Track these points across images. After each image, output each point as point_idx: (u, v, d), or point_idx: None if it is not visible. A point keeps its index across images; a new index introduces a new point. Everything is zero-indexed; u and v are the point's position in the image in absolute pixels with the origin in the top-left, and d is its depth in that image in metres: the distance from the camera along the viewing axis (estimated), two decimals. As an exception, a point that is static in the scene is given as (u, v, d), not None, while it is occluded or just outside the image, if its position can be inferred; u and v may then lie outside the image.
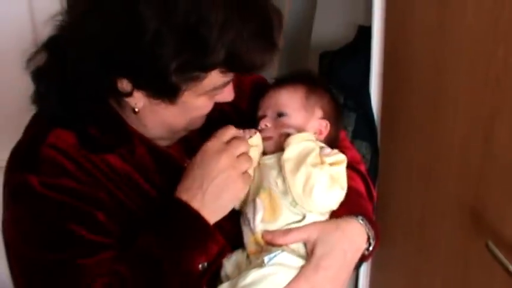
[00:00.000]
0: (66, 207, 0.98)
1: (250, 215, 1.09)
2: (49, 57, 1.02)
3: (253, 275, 1.01)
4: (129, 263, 0.98)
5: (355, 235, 1.08)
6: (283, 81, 1.22)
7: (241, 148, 1.06)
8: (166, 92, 0.97)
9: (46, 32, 1.01)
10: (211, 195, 1.02)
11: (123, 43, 0.92)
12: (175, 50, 0.90)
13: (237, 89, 1.10)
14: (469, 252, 1.45)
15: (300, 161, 1.06)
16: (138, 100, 1.01)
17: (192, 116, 1.06)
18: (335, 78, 2.01)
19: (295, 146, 1.08)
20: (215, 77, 0.97)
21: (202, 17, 0.89)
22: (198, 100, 1.02)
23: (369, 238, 1.09)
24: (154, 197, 1.07)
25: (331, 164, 1.08)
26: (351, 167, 1.15)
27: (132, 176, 1.06)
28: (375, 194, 1.23)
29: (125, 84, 0.98)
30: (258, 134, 1.14)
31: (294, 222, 1.08)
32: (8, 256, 1.02)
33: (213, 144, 1.05)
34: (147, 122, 1.07)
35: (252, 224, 1.08)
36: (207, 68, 0.94)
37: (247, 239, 1.10)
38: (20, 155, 1.04)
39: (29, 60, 1.02)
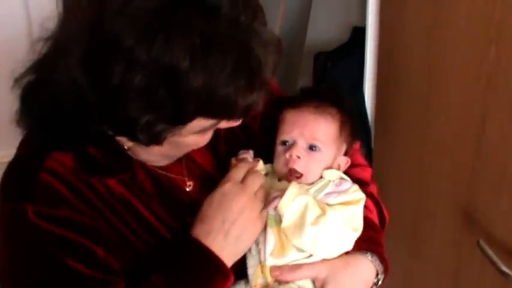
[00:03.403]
0: (63, 241, 0.91)
1: (261, 245, 1.03)
2: (36, 82, 0.93)
3: None
4: None
5: (364, 272, 1.06)
6: (317, 104, 1.09)
7: (256, 184, 1.02)
8: (145, 141, 0.88)
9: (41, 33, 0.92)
10: (232, 238, 0.98)
11: (85, 97, 0.84)
12: (138, 110, 0.82)
13: None
14: (461, 251, 1.46)
15: (299, 224, 0.99)
16: (125, 141, 0.95)
17: (186, 150, 1.01)
18: (329, 78, 2.01)
19: (288, 211, 0.99)
20: (199, 122, 0.87)
21: (161, 73, 0.78)
22: (188, 139, 0.93)
23: (377, 274, 1.08)
24: (155, 226, 1.01)
25: (344, 203, 1.04)
26: (364, 191, 1.11)
27: (133, 203, 1.00)
28: (386, 215, 1.19)
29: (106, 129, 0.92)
30: (261, 161, 1.08)
31: (302, 259, 1.03)
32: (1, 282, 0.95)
33: (229, 185, 1.01)
34: (141, 156, 1.02)
35: (262, 256, 1.03)
36: (178, 123, 0.85)
37: (253, 271, 1.04)
38: (14, 182, 0.96)
39: (17, 80, 0.93)
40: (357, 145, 1.25)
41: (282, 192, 0.99)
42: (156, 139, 0.87)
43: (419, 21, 1.56)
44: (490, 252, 1.23)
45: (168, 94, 0.80)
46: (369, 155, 1.90)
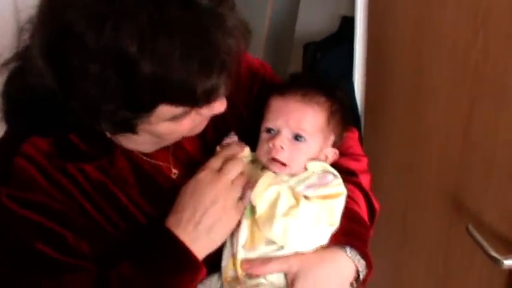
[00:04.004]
0: (33, 224, 0.91)
1: (234, 237, 1.01)
2: (17, 70, 0.94)
3: None
4: None
5: (341, 267, 1.02)
6: (305, 92, 1.05)
7: (234, 171, 1.00)
8: (116, 129, 0.89)
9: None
10: (203, 228, 0.96)
11: (53, 84, 0.84)
12: (97, 97, 0.81)
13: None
14: (450, 237, 1.47)
15: (270, 215, 0.97)
16: (104, 129, 0.94)
17: (169, 138, 0.98)
18: (319, 68, 2.02)
19: (260, 201, 0.97)
20: (165, 109, 0.85)
21: (113, 60, 0.78)
22: (160, 127, 0.91)
23: (358, 270, 1.03)
24: (132, 212, 1.00)
25: (323, 197, 1.00)
26: (352, 182, 1.10)
27: (110, 188, 0.98)
28: (377, 206, 1.15)
29: None
30: (247, 148, 1.06)
31: (272, 251, 1.00)
32: None
33: (204, 174, 0.99)
34: (123, 143, 1.01)
35: (234, 248, 1.01)
36: (140, 110, 0.84)
37: (226, 263, 1.02)
38: None
39: (3, 65, 0.93)
40: (355, 134, 1.22)
41: (254, 183, 0.97)
42: (126, 127, 0.87)
43: (407, 10, 1.57)
44: (479, 238, 1.23)
45: (121, 82, 0.79)
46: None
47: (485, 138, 1.28)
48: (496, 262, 1.18)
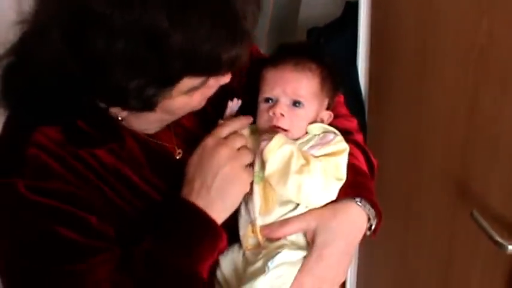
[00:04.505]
0: (55, 212, 0.92)
1: (250, 205, 1.04)
2: (19, 62, 0.94)
3: (260, 285, 0.98)
4: (133, 269, 0.94)
5: (355, 218, 1.06)
6: (296, 61, 1.09)
7: (238, 142, 1.03)
8: (138, 107, 0.89)
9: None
10: (217, 191, 0.98)
11: (71, 71, 0.85)
12: (125, 76, 0.83)
13: None
14: (455, 223, 1.47)
15: (284, 172, 1.00)
16: (118, 111, 0.96)
17: (179, 113, 1.01)
18: (323, 54, 2.01)
19: (273, 158, 1.00)
20: (187, 81, 0.88)
21: (142, 36, 0.79)
22: (177, 101, 0.93)
23: (369, 219, 1.07)
24: (146, 191, 1.02)
25: (327, 155, 1.04)
26: (349, 140, 1.12)
27: (122, 171, 1.00)
28: (375, 162, 1.19)
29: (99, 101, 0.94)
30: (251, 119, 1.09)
31: (288, 212, 1.04)
32: None
33: (210, 140, 1.02)
34: (133, 125, 1.02)
35: (252, 215, 1.04)
36: (166, 83, 0.86)
37: (245, 232, 1.05)
38: (2, 158, 0.96)
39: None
40: (341, 97, 1.26)
41: (270, 138, 1.01)
42: (148, 104, 0.88)
43: (411, -5, 1.56)
44: (484, 223, 1.23)
45: (152, 55, 0.81)
46: (363, 130, 1.90)
47: (490, 122, 1.27)
48: (501, 247, 1.18)
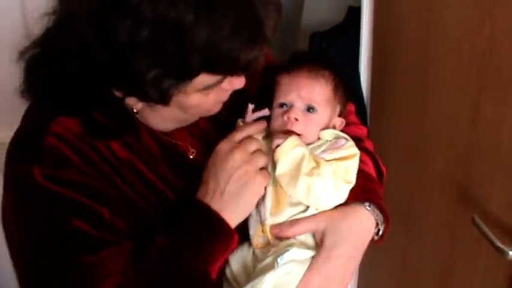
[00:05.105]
0: (69, 202, 0.93)
1: (261, 205, 1.06)
2: (42, 53, 0.97)
3: (269, 280, 0.99)
4: (144, 264, 0.96)
5: (364, 222, 1.07)
6: (310, 68, 1.12)
7: (253, 146, 1.04)
8: (154, 97, 0.91)
9: (37, 25, 0.96)
10: (230, 194, 1.00)
11: (95, 56, 0.87)
12: (146, 65, 0.85)
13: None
14: (456, 228, 1.46)
15: (294, 174, 1.02)
16: (134, 103, 0.97)
17: (192, 113, 1.02)
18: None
19: (284, 159, 1.02)
20: (203, 78, 0.90)
21: (167, 28, 0.82)
22: (192, 99, 0.95)
23: (377, 224, 1.08)
24: (161, 188, 1.04)
25: (338, 159, 1.06)
26: (360, 146, 1.13)
27: (137, 165, 1.02)
28: (384, 169, 1.20)
29: (116, 91, 0.95)
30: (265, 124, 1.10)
31: (298, 213, 1.06)
32: (8, 244, 0.97)
33: (225, 144, 1.03)
34: (149, 120, 1.04)
35: (262, 215, 1.06)
36: (184, 77, 0.88)
37: (255, 231, 1.08)
38: (21, 145, 0.98)
39: (22, 53, 0.97)
40: (351, 106, 1.27)
41: (285, 138, 1.03)
42: (164, 96, 0.90)
43: (413, 0, 1.56)
44: (485, 229, 1.23)
45: (174, 47, 0.83)
46: (366, 134, 1.90)
47: (492, 127, 1.27)
48: (502, 253, 1.18)
